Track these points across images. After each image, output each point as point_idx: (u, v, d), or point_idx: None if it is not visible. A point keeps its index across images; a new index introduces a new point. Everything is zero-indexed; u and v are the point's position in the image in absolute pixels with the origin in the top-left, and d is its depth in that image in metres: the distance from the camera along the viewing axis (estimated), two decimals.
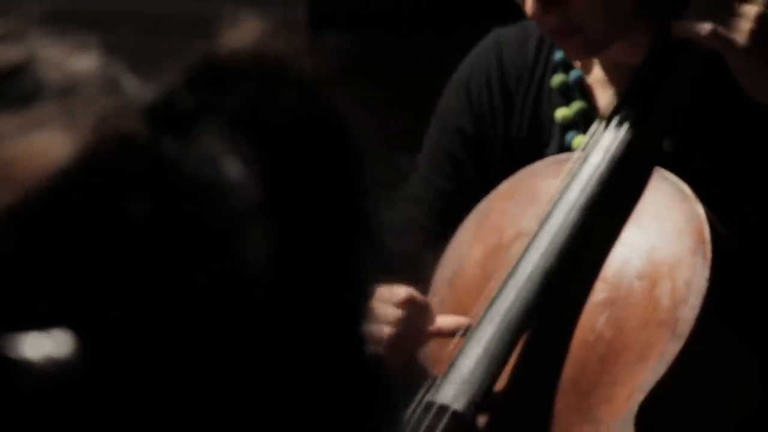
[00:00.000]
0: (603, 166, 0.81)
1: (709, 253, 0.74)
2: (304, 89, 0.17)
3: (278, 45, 0.17)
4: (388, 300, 0.79)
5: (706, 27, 0.78)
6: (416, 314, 0.80)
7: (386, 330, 0.77)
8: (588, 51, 0.86)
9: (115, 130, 0.14)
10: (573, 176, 0.82)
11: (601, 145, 0.82)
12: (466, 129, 0.93)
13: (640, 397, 0.70)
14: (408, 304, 0.79)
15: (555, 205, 0.81)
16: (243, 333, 0.14)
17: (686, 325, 0.71)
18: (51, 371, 0.12)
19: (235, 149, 0.14)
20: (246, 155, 0.14)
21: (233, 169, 0.14)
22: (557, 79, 0.90)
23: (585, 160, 0.82)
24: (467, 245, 0.85)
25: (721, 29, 0.78)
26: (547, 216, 0.81)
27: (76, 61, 0.16)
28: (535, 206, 0.83)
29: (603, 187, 0.80)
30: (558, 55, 0.90)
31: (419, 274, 0.81)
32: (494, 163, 0.91)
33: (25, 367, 0.12)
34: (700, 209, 0.76)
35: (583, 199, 0.80)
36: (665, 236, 0.77)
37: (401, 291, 0.80)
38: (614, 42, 0.84)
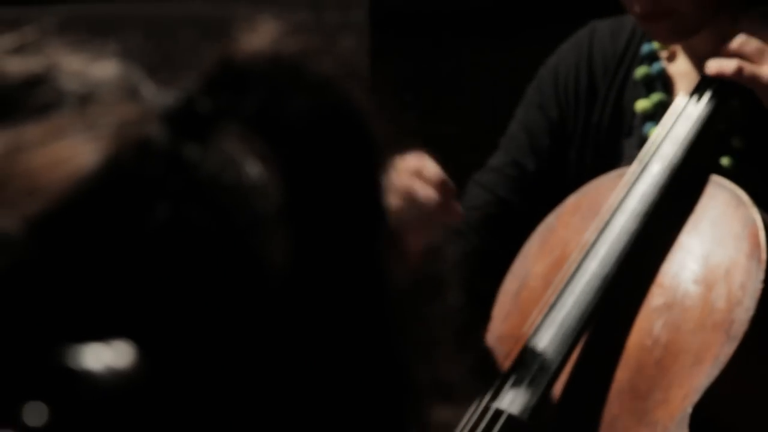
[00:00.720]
0: (662, 175, 0.81)
1: (764, 256, 0.73)
2: (322, 90, 0.17)
3: (295, 46, 0.17)
4: (422, 175, 0.78)
5: (731, 65, 0.79)
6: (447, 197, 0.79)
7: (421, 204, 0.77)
8: (677, 35, 0.86)
9: (136, 137, 0.14)
10: (633, 185, 0.83)
11: (661, 154, 0.82)
12: (552, 114, 0.96)
13: (695, 398, 0.70)
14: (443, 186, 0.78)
15: (614, 213, 0.82)
16: (268, 333, 0.14)
17: (741, 327, 0.71)
18: (112, 382, 0.12)
19: (254, 151, 0.14)
20: (265, 157, 0.14)
21: (254, 171, 0.14)
22: (641, 71, 0.91)
23: (645, 169, 0.83)
24: (532, 259, 0.87)
25: (747, 66, 0.78)
26: (606, 224, 0.82)
27: (95, 68, 0.16)
28: (598, 219, 0.85)
29: (662, 195, 0.81)
30: (645, 48, 0.92)
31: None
32: (572, 150, 0.94)
33: (87, 378, 0.12)
34: (756, 214, 0.76)
35: (641, 208, 0.81)
36: (721, 241, 0.77)
37: (436, 170, 0.79)
38: (702, 28, 0.84)
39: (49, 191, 0.13)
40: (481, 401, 0.79)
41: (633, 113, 0.92)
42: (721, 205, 0.78)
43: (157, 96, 0.16)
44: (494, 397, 0.78)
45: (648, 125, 0.89)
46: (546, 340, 0.79)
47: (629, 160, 0.86)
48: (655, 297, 0.78)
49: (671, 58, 0.92)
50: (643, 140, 0.87)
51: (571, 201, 0.88)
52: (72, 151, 0.14)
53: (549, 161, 0.92)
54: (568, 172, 0.91)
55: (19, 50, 0.17)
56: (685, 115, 0.83)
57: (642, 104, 0.90)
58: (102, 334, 0.12)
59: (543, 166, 0.92)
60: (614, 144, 0.91)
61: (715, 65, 0.80)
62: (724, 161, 0.84)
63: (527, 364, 0.79)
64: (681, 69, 0.91)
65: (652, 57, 0.91)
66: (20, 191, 0.13)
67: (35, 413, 0.12)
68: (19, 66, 0.16)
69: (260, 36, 0.16)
